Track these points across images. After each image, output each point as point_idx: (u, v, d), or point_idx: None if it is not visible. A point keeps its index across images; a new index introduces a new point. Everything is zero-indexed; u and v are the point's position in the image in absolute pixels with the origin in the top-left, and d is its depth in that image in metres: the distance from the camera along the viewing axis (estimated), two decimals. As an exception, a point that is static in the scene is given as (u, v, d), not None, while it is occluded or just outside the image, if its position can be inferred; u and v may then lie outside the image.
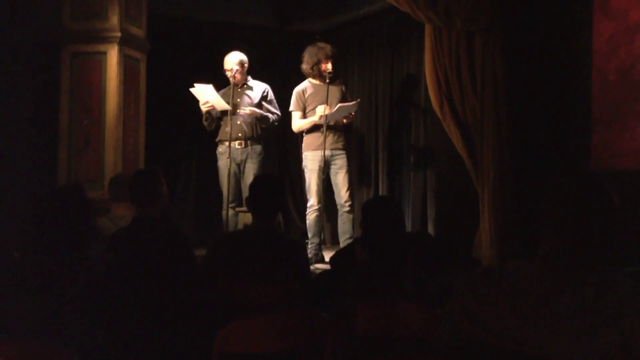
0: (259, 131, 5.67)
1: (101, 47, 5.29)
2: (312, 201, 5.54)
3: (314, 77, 5.64)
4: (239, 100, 5.57)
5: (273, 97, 5.78)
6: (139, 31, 5.57)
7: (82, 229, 2.74)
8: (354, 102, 5.61)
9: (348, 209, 5.54)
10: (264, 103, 5.69)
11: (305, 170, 5.63)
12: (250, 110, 5.50)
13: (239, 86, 5.55)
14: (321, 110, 5.42)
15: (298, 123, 5.69)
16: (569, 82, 4.88)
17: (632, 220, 4.07)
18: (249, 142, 5.61)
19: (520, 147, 4.84)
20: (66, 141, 5.33)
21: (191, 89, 5.47)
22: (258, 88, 5.73)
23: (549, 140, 4.86)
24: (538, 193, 1.76)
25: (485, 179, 4.81)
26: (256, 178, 3.33)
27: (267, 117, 5.60)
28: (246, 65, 5.65)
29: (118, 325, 2.58)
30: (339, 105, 5.46)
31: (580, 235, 1.65)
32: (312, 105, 5.59)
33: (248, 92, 5.68)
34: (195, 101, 5.57)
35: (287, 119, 5.91)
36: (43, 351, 1.85)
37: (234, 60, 5.57)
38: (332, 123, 5.49)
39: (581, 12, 4.82)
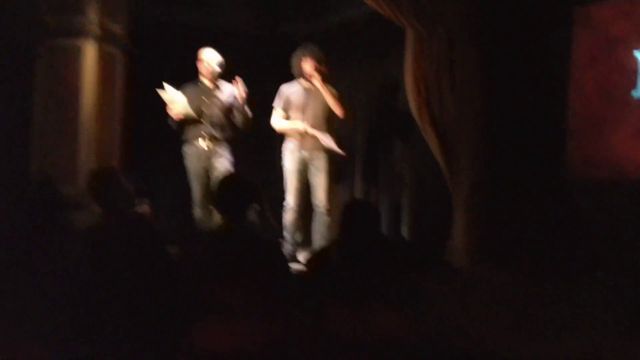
0: (226, 130, 5.62)
1: (78, 42, 5.19)
2: (289, 200, 5.52)
3: (298, 77, 5.61)
4: (207, 101, 5.51)
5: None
6: (118, 28, 5.48)
7: (53, 225, 2.71)
8: (340, 151, 5.61)
9: (323, 210, 5.52)
10: (234, 106, 5.63)
11: (284, 169, 5.61)
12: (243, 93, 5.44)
13: (210, 86, 5.51)
14: (300, 125, 5.42)
15: (277, 122, 5.66)
16: (547, 92, 4.93)
17: (604, 229, 4.11)
18: (215, 141, 5.56)
19: (496, 155, 4.87)
20: (39, 137, 5.24)
21: (159, 91, 5.40)
22: (227, 90, 5.65)
23: (525, 149, 4.89)
24: (512, 201, 1.77)
25: (460, 185, 4.84)
26: (220, 180, 3.29)
27: (246, 111, 5.54)
28: (223, 67, 5.61)
29: (92, 323, 2.55)
30: (328, 139, 5.47)
31: (551, 245, 1.66)
32: (294, 105, 5.55)
33: (217, 93, 5.62)
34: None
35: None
36: (13, 348, 1.81)
37: (214, 59, 5.53)
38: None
39: (562, 23, 4.87)
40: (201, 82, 5.58)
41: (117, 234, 3.04)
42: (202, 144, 5.48)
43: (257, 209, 6.73)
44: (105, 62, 5.32)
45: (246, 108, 5.53)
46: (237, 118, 5.57)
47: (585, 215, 1.71)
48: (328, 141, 5.50)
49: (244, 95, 5.47)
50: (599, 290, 1.62)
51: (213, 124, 5.54)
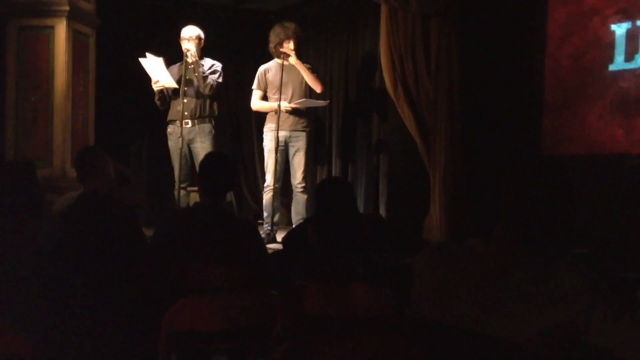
0: (208, 110, 5.57)
1: (49, 21, 5.12)
2: (268, 181, 5.52)
3: (278, 57, 5.57)
4: (189, 77, 5.45)
5: (219, 70, 5.57)
6: (88, 5, 5.41)
7: (29, 207, 2.69)
8: (322, 102, 5.65)
9: (301, 190, 5.54)
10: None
11: (265, 150, 5.61)
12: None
13: (191, 63, 5.43)
14: (280, 105, 5.40)
15: (256, 103, 5.70)
16: (523, 66, 4.93)
17: (578, 204, 4.14)
18: (196, 121, 5.50)
19: (472, 130, 4.88)
20: (13, 118, 5.18)
21: (141, 59, 5.34)
22: (208, 65, 5.59)
23: (501, 124, 4.91)
24: (488, 176, 1.76)
25: (437, 162, 4.85)
26: (206, 156, 3.29)
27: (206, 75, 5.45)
28: (202, 41, 5.53)
29: (66, 303, 2.53)
30: (306, 99, 5.49)
31: (535, 218, 1.67)
32: (272, 85, 5.55)
33: (199, 71, 5.55)
34: (147, 79, 5.45)
35: (248, 96, 5.84)
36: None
37: (191, 35, 5.45)
38: (290, 108, 5.46)
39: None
40: (185, 61, 5.50)
41: (91, 211, 3.04)
42: (183, 124, 5.42)
43: (235, 188, 6.73)
44: (77, 41, 5.24)
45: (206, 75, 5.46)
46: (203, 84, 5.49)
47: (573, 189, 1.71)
48: (309, 101, 5.49)
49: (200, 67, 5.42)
50: (574, 262, 1.63)
51: (195, 103, 5.49)
